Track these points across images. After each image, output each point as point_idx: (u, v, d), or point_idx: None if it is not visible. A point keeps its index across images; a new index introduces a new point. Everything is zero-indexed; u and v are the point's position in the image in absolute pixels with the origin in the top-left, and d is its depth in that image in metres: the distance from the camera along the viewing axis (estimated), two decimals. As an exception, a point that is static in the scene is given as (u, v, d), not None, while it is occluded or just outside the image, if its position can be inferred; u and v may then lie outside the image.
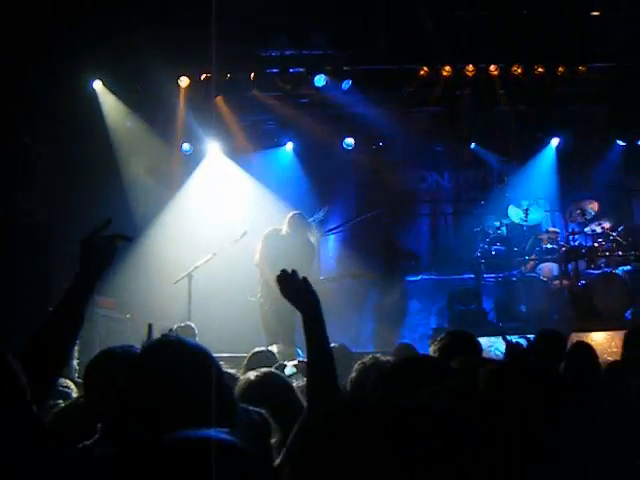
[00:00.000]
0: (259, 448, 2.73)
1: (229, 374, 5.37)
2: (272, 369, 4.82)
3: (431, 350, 5.09)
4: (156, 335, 4.36)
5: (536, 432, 2.99)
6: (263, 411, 3.16)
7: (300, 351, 9.45)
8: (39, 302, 10.35)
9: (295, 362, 7.32)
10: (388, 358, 4.80)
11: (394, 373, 3.40)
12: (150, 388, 2.36)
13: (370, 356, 4.80)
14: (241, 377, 4.41)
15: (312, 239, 11.29)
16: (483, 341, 11.08)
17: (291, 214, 11.27)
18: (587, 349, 6.67)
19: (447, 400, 2.35)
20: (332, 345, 7.41)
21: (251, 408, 3.13)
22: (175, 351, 2.49)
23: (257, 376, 4.20)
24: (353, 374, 4.74)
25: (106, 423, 2.85)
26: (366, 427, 1.44)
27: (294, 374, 6.55)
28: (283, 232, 11.14)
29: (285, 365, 7.21)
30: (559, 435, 3.31)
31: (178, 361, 2.45)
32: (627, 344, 6.73)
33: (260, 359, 6.48)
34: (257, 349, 7.07)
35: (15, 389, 2.37)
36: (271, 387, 4.14)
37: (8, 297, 10.23)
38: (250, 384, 4.14)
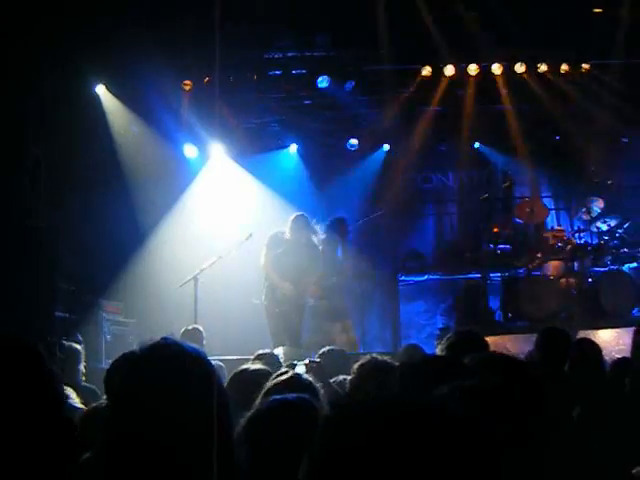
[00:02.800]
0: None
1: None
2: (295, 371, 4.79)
3: (438, 350, 5.07)
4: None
5: (539, 430, 2.98)
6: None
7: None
8: (44, 304, 10.37)
9: (306, 361, 7.31)
10: (386, 358, 4.79)
11: (409, 372, 3.38)
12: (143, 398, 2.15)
13: (368, 356, 4.78)
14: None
15: (315, 240, 11.27)
16: (491, 340, 11.11)
17: (294, 216, 11.26)
18: (591, 345, 6.66)
19: (464, 399, 2.34)
20: (330, 348, 7.42)
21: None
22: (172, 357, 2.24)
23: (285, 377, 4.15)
24: (352, 376, 4.73)
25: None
26: (384, 423, 1.43)
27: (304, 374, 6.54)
28: (287, 234, 11.13)
29: (295, 364, 7.19)
30: (565, 433, 3.30)
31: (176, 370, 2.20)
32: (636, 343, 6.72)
33: (263, 362, 6.45)
34: (260, 352, 7.06)
35: (52, 394, 2.33)
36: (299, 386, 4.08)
37: (13, 299, 10.22)
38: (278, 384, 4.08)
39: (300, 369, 6.84)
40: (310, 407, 3.01)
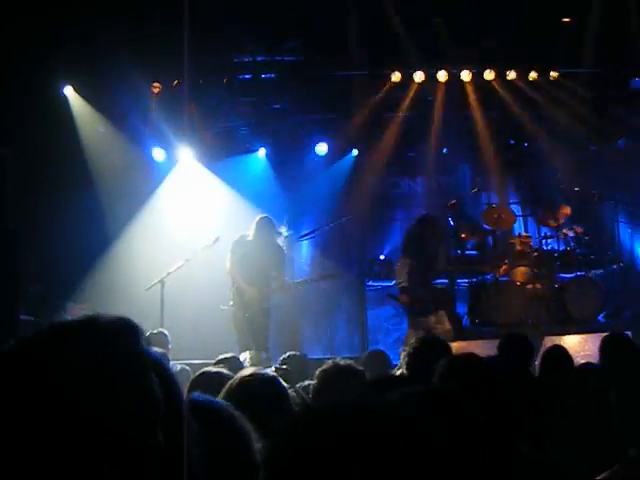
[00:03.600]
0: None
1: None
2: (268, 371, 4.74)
3: (402, 356, 5.08)
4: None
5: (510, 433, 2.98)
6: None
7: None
8: (8, 307, 10.27)
9: (273, 368, 7.29)
10: (349, 362, 4.74)
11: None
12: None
13: (330, 362, 4.73)
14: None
15: (280, 242, 11.24)
16: (457, 345, 11.14)
17: (258, 218, 11.20)
18: (562, 351, 6.69)
19: (416, 403, 2.32)
20: (292, 354, 7.41)
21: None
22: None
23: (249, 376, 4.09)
24: (314, 381, 4.67)
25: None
26: (336, 430, 1.42)
27: None
28: (250, 237, 11.07)
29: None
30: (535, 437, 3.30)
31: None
32: (602, 353, 6.79)
33: (226, 366, 6.41)
34: (222, 356, 7.02)
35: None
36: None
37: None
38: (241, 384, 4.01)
39: None
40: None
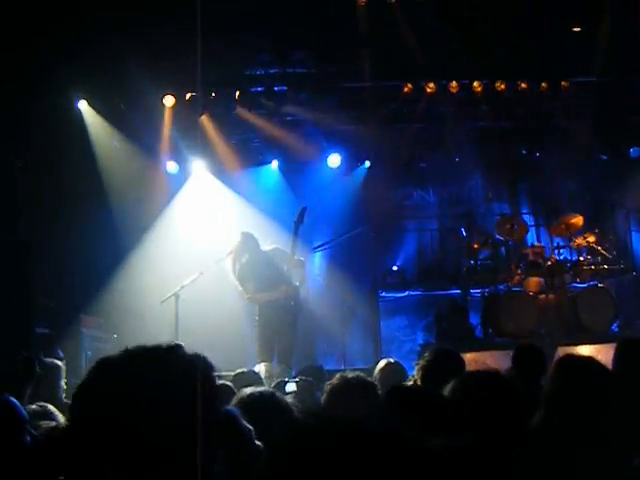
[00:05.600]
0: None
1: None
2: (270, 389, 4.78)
3: (416, 368, 5.11)
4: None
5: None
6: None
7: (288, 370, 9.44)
8: (23, 320, 10.32)
9: (297, 380, 7.34)
10: (358, 374, 4.73)
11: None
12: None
13: (339, 375, 4.72)
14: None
15: (266, 248, 11.02)
16: (470, 356, 11.16)
17: (241, 234, 11.00)
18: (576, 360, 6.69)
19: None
20: (309, 366, 7.43)
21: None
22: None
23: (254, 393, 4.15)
24: (324, 396, 4.67)
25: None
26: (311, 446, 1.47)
27: (294, 392, 6.58)
28: (240, 252, 10.84)
29: (286, 382, 7.22)
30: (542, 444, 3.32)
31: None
32: (617, 359, 6.76)
33: (243, 380, 6.47)
34: (239, 370, 7.07)
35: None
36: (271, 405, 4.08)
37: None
38: (247, 401, 4.08)
39: (290, 387, 6.88)
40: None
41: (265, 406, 3.99)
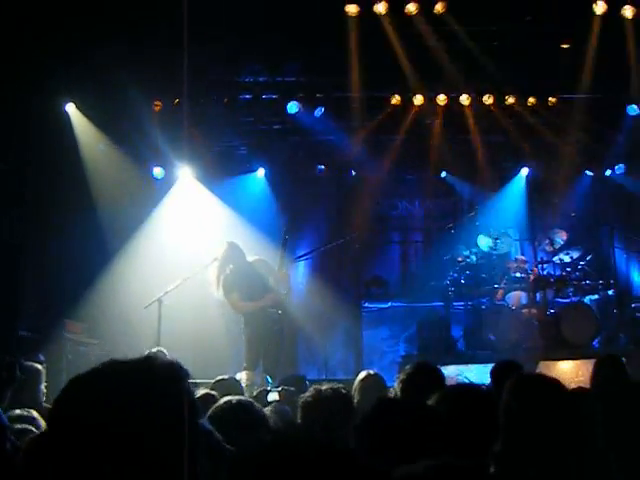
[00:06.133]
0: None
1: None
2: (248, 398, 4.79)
3: (396, 381, 5.12)
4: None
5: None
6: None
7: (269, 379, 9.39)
8: (6, 323, 10.29)
9: (279, 389, 7.33)
10: (333, 387, 4.71)
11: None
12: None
13: (312, 389, 4.71)
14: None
15: (251, 259, 10.92)
16: (452, 369, 11.20)
17: (225, 244, 10.88)
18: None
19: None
20: (291, 375, 7.43)
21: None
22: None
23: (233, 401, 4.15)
24: (298, 411, 4.66)
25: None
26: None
27: (276, 401, 6.58)
28: (227, 265, 10.71)
29: (268, 391, 7.22)
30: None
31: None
32: (595, 374, 6.80)
33: (223, 387, 6.46)
34: (220, 377, 7.05)
35: None
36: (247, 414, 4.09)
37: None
38: (225, 408, 4.09)
39: (272, 396, 6.88)
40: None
41: (241, 416, 4.00)
